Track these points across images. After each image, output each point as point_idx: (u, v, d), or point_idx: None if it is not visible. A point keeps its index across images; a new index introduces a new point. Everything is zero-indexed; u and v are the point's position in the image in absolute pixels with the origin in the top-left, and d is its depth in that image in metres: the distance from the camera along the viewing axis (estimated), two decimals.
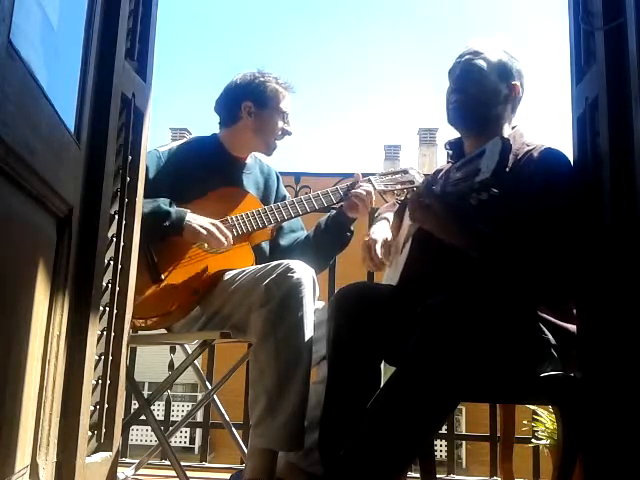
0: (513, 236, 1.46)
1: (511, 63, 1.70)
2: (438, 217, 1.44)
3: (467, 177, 1.37)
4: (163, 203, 1.88)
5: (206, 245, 1.89)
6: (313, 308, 1.74)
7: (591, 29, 1.49)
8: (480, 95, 1.66)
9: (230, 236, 1.91)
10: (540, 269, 1.47)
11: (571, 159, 1.58)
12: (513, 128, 1.71)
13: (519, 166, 1.56)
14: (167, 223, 1.86)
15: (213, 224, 1.90)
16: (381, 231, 1.81)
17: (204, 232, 1.87)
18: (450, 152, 1.78)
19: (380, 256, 1.74)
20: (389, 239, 1.78)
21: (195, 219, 1.89)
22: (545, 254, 1.46)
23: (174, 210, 1.89)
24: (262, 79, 2.09)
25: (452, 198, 1.42)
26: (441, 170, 1.86)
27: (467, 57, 1.69)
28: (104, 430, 1.43)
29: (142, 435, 11.80)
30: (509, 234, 1.47)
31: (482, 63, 1.67)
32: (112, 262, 1.48)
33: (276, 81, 2.10)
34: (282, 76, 2.12)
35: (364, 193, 1.99)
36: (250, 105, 2.07)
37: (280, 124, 2.09)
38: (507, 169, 1.52)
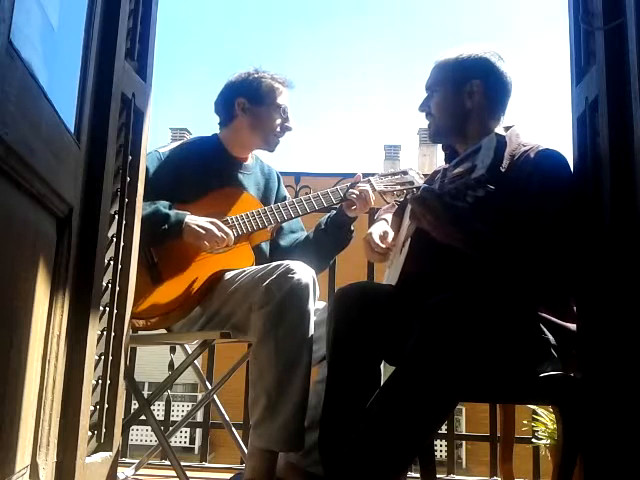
0: (511, 236, 1.46)
1: (468, 61, 1.67)
2: (434, 216, 1.44)
3: (463, 174, 1.37)
4: (162, 206, 1.88)
5: (207, 243, 1.88)
6: (313, 308, 1.74)
7: (591, 29, 1.49)
8: (443, 113, 1.69)
9: (231, 233, 1.91)
10: (538, 269, 1.47)
11: (570, 159, 1.57)
12: (509, 128, 1.69)
13: (516, 166, 1.55)
14: (166, 226, 1.86)
15: (213, 223, 1.89)
16: (378, 227, 1.83)
17: (204, 232, 1.87)
18: (447, 152, 1.78)
19: (380, 244, 1.75)
20: (387, 232, 1.79)
21: (194, 220, 1.88)
22: (543, 254, 1.46)
23: (173, 213, 1.88)
24: (256, 76, 2.08)
25: (448, 197, 1.41)
26: (439, 171, 1.86)
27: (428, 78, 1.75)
28: (104, 430, 1.43)
29: (142, 435, 11.80)
30: (507, 234, 1.46)
31: (435, 79, 1.70)
32: (112, 262, 1.48)
33: (272, 77, 2.09)
34: (279, 72, 2.11)
35: (362, 191, 1.99)
36: (244, 101, 2.06)
37: (278, 120, 2.08)
38: (503, 169, 1.53)
